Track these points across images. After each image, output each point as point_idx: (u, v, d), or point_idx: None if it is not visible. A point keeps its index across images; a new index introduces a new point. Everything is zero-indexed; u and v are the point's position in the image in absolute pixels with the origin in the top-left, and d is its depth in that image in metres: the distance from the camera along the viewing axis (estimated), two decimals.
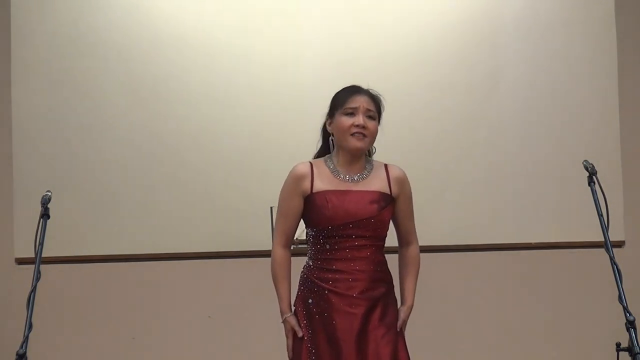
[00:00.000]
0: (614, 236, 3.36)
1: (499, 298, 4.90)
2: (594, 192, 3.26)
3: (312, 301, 3.19)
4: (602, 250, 3.14)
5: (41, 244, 3.06)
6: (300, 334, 3.18)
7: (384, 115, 4.88)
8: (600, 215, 3.20)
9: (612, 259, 3.09)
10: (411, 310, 3.28)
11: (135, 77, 4.91)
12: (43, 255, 3.06)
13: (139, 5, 4.92)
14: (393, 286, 3.28)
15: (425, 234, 4.78)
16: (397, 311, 3.25)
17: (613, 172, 4.86)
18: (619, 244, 4.84)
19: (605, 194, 3.24)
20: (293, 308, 3.24)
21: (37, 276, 2.99)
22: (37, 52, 4.92)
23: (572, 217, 4.85)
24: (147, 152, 4.89)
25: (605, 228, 3.18)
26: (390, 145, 4.82)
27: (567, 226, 4.89)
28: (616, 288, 3.03)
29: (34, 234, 3.07)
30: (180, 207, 4.86)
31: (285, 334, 3.23)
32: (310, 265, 3.24)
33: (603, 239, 3.15)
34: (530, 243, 4.90)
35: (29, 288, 2.95)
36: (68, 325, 4.86)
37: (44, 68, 4.91)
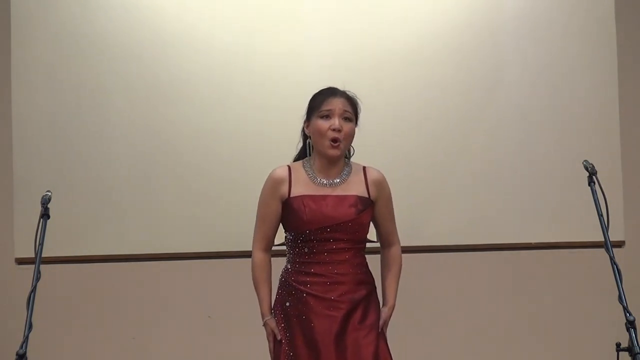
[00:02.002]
0: (614, 236, 3.36)
1: (498, 298, 4.90)
2: (594, 192, 3.26)
3: (290, 304, 3.21)
4: (602, 250, 3.15)
5: (41, 244, 3.06)
6: (279, 337, 3.18)
7: (384, 114, 4.90)
8: (600, 215, 3.20)
9: (612, 259, 3.09)
10: (393, 310, 3.29)
11: (136, 77, 4.90)
12: (43, 255, 3.07)
13: (140, 4, 4.92)
14: (375, 287, 3.28)
15: (425, 234, 4.85)
16: (379, 312, 3.25)
17: (613, 172, 4.86)
18: (619, 244, 4.84)
19: (605, 194, 3.24)
20: (273, 311, 3.26)
21: (37, 276, 2.99)
22: (37, 52, 4.91)
23: (572, 217, 4.85)
24: (147, 152, 4.89)
25: (605, 228, 3.18)
26: (390, 145, 4.87)
27: (567, 226, 4.88)
28: (616, 288, 3.04)
29: (34, 234, 3.07)
30: (180, 207, 4.86)
31: (267, 337, 3.24)
32: (289, 269, 3.26)
33: (603, 239, 3.15)
34: (530, 243, 4.90)
35: (29, 288, 2.95)
36: (68, 325, 4.86)
37: (44, 68, 4.91)
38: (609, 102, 4.94)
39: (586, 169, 3.32)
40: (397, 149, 4.87)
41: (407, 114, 4.91)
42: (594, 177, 3.29)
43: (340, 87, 3.32)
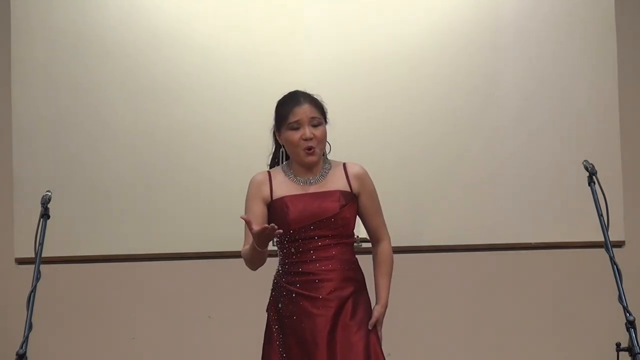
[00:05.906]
0: (614, 236, 3.36)
1: (498, 298, 4.90)
2: (594, 192, 3.26)
3: (282, 305, 3.22)
4: (602, 250, 3.14)
5: (41, 244, 3.07)
6: (254, 228, 3.03)
7: (384, 115, 4.89)
8: (600, 215, 3.20)
9: (612, 259, 3.09)
10: (385, 309, 3.27)
11: (136, 77, 4.90)
12: (43, 255, 3.07)
13: (139, 5, 4.92)
14: (365, 285, 3.28)
15: (425, 234, 4.85)
16: (369, 309, 3.24)
17: (613, 172, 4.85)
18: (619, 244, 4.83)
19: (605, 194, 3.24)
20: (266, 314, 3.27)
21: (37, 276, 2.99)
22: (37, 52, 4.91)
23: (572, 217, 4.85)
24: (147, 152, 4.89)
25: (605, 228, 3.18)
26: (390, 146, 4.88)
27: (567, 226, 4.88)
28: (616, 288, 3.04)
29: (34, 234, 3.07)
30: (180, 207, 4.86)
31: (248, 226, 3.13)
32: (280, 271, 3.27)
33: (603, 239, 3.15)
34: (530, 243, 4.90)
35: (29, 288, 2.95)
36: (68, 325, 4.86)
37: (44, 68, 4.91)
38: (609, 102, 4.94)
39: (586, 169, 3.32)
40: (398, 150, 4.87)
41: (407, 115, 4.90)
42: (594, 177, 3.29)
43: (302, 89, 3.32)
